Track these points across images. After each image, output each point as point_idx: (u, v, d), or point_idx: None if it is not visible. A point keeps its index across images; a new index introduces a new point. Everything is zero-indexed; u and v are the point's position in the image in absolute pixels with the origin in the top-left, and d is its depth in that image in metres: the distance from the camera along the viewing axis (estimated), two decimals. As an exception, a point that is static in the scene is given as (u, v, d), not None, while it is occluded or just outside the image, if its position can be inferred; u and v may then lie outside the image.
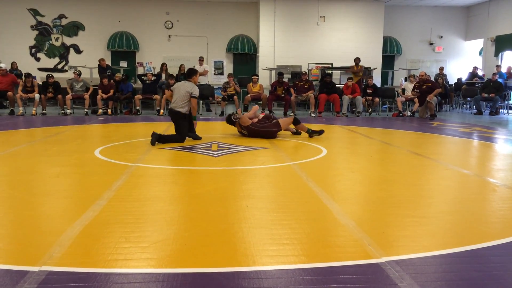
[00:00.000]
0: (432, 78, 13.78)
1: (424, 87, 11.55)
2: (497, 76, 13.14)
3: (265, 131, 7.26)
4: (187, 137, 6.99)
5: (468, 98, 14.16)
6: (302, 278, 2.20)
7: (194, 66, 13.80)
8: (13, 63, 14.31)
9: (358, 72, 13.55)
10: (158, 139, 6.54)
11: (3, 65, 12.17)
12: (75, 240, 2.64)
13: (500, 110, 13.32)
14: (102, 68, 13.17)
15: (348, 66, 14.73)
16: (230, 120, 7.69)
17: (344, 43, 16.25)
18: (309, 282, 2.16)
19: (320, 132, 7.44)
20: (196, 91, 7.05)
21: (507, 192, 4.00)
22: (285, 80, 13.10)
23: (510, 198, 3.81)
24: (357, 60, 13.68)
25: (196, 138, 7.11)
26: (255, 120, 7.44)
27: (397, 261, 2.40)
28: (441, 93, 12.76)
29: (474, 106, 13.77)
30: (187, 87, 7.04)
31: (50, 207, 3.41)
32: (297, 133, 7.66)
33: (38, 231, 2.86)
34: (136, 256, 2.44)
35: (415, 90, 11.76)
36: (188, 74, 7.34)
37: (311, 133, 7.41)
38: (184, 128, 7.01)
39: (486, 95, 12.82)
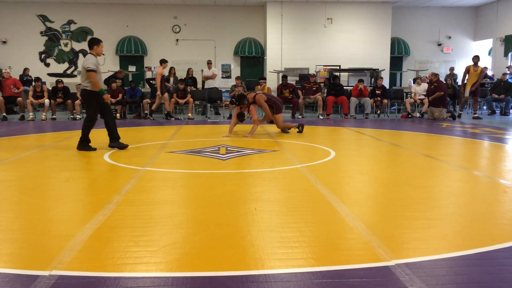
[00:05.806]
0: (442, 79, 13.67)
1: (432, 87, 11.49)
2: (507, 76, 13.00)
3: (277, 102, 8.32)
4: (120, 147, 6.43)
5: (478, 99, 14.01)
6: (311, 281, 2.19)
7: (202, 70, 14.03)
8: (25, 69, 14.49)
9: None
10: (113, 146, 6.46)
11: (7, 70, 12.33)
12: (85, 244, 2.66)
13: (511, 111, 13.16)
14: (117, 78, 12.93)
15: (363, 68, 14.69)
16: (241, 99, 8.13)
17: (351, 44, 16.21)
18: (318, 285, 2.15)
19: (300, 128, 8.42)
20: (89, 63, 6.03)
21: (519, 194, 3.96)
22: (293, 82, 13.09)
23: (521, 200, 3.76)
24: (476, 59, 11.45)
25: (122, 147, 6.47)
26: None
27: (407, 264, 2.38)
28: (450, 94, 12.66)
29: (485, 107, 13.63)
30: (84, 62, 6.16)
31: (60, 212, 3.44)
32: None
33: (48, 235, 2.89)
34: (145, 260, 2.45)
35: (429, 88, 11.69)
36: (88, 45, 6.29)
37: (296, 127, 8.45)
38: (91, 108, 6.37)
39: (496, 95, 12.70)
